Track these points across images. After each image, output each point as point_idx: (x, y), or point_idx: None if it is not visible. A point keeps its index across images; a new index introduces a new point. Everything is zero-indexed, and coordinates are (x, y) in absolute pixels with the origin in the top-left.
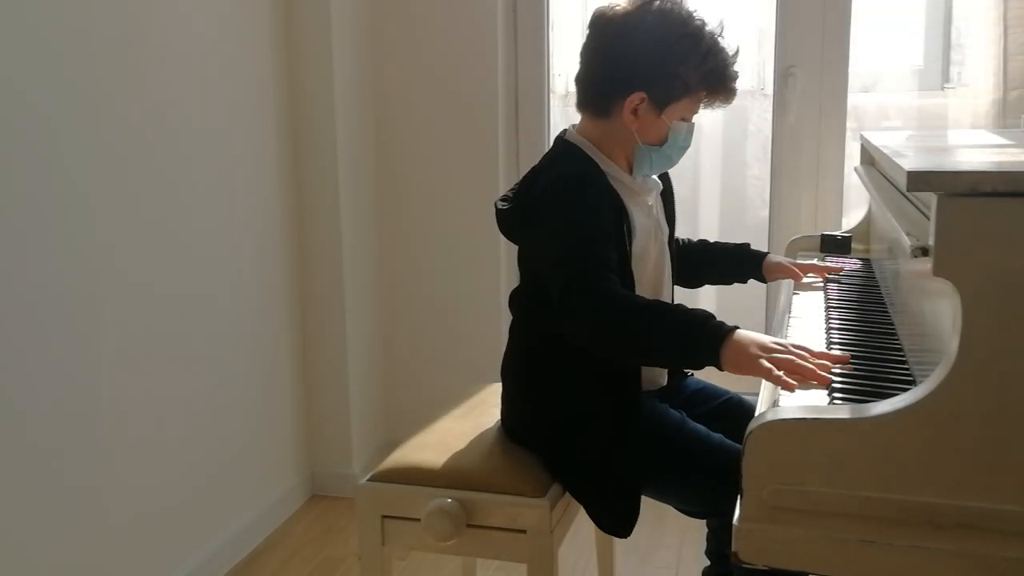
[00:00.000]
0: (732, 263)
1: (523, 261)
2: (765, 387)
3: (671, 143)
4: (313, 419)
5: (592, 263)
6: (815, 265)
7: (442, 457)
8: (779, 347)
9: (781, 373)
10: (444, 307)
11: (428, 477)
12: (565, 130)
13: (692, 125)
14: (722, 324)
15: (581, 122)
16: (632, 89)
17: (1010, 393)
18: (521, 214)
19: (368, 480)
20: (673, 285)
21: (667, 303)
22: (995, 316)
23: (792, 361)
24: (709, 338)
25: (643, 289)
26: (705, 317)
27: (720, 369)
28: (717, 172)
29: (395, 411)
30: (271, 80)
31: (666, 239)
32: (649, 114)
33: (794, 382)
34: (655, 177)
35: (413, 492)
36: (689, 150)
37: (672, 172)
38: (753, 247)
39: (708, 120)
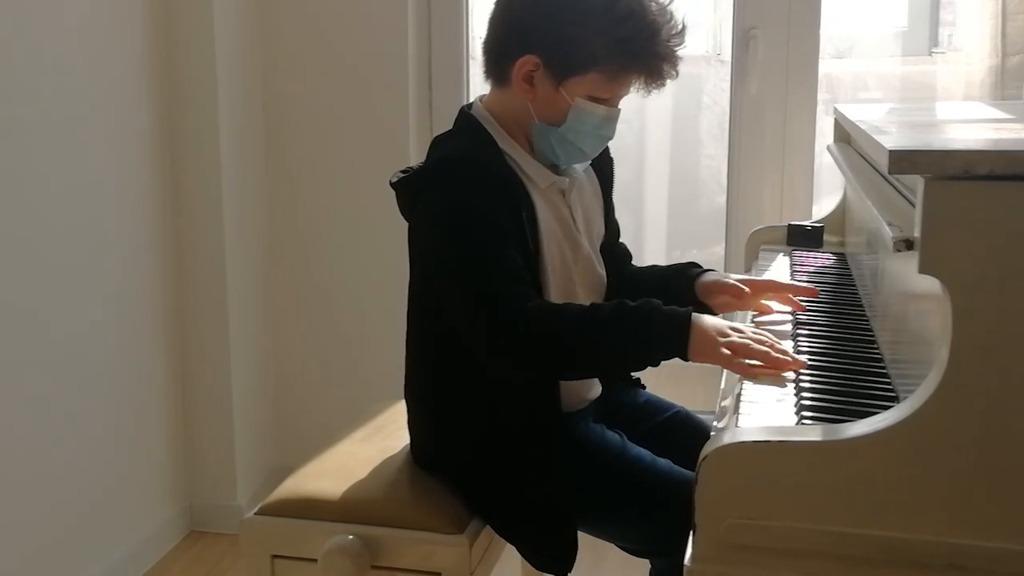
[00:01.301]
0: (657, 288)
1: (413, 248)
2: (724, 399)
3: (571, 125)
4: (191, 443)
5: (495, 274)
6: (774, 283)
7: (342, 486)
8: (736, 331)
9: (745, 361)
10: (345, 313)
11: (325, 510)
12: (471, 102)
13: (613, 111)
14: (674, 308)
15: (489, 93)
16: (523, 51)
17: (1008, 411)
18: (413, 192)
19: (255, 513)
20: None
21: (604, 303)
22: (991, 320)
23: (748, 346)
24: (670, 326)
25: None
26: (654, 306)
27: (686, 359)
28: (665, 151)
29: (287, 433)
30: (142, 56)
31: (593, 245)
32: (545, 85)
33: (756, 371)
34: (582, 165)
35: (308, 527)
36: (633, 125)
37: (614, 156)
38: (696, 265)
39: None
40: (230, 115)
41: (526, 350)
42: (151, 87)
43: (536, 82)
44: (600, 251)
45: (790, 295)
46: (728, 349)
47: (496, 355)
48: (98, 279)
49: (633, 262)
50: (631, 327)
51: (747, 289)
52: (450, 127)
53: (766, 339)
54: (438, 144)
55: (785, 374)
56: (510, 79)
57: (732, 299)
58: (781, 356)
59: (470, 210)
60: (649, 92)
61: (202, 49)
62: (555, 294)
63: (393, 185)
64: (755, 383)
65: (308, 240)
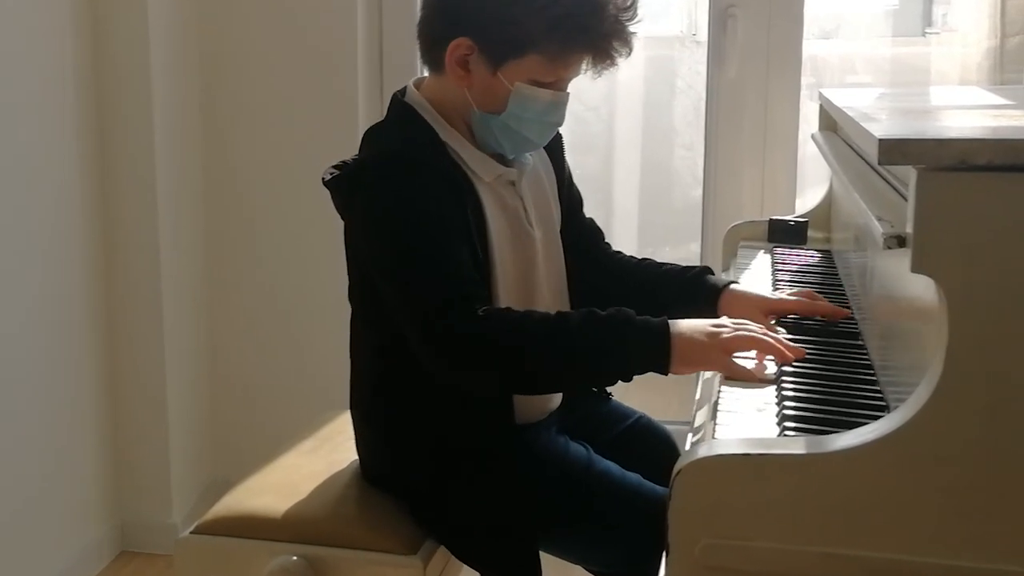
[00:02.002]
0: (676, 295)
1: (350, 250)
2: (700, 408)
3: (513, 113)
4: (122, 455)
5: (443, 279)
6: (805, 303)
7: (285, 503)
8: (725, 327)
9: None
10: (290, 315)
11: (268, 528)
12: (404, 87)
13: (560, 95)
14: (647, 318)
15: (426, 78)
16: (455, 34)
17: (1008, 422)
18: (348, 190)
19: (192, 532)
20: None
21: (572, 311)
22: (990, 323)
23: (746, 337)
24: (649, 338)
25: None
26: (627, 316)
27: (667, 373)
28: (636, 140)
29: (226, 445)
30: (70, 40)
31: (551, 237)
32: (481, 70)
33: (765, 364)
34: (532, 154)
35: (249, 547)
36: (601, 111)
37: (571, 143)
38: (711, 275)
39: (625, 74)
40: (165, 105)
41: (482, 364)
42: (80, 75)
43: (472, 67)
44: (562, 233)
45: (830, 315)
46: (722, 349)
47: (448, 369)
48: (23, 280)
49: (608, 243)
50: (603, 339)
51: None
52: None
53: (755, 329)
54: (372, 136)
55: (768, 372)
56: (443, 63)
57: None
58: (780, 344)
59: (411, 208)
60: (599, 74)
61: (135, 35)
62: (510, 297)
63: (326, 183)
64: (741, 387)
65: (250, 238)
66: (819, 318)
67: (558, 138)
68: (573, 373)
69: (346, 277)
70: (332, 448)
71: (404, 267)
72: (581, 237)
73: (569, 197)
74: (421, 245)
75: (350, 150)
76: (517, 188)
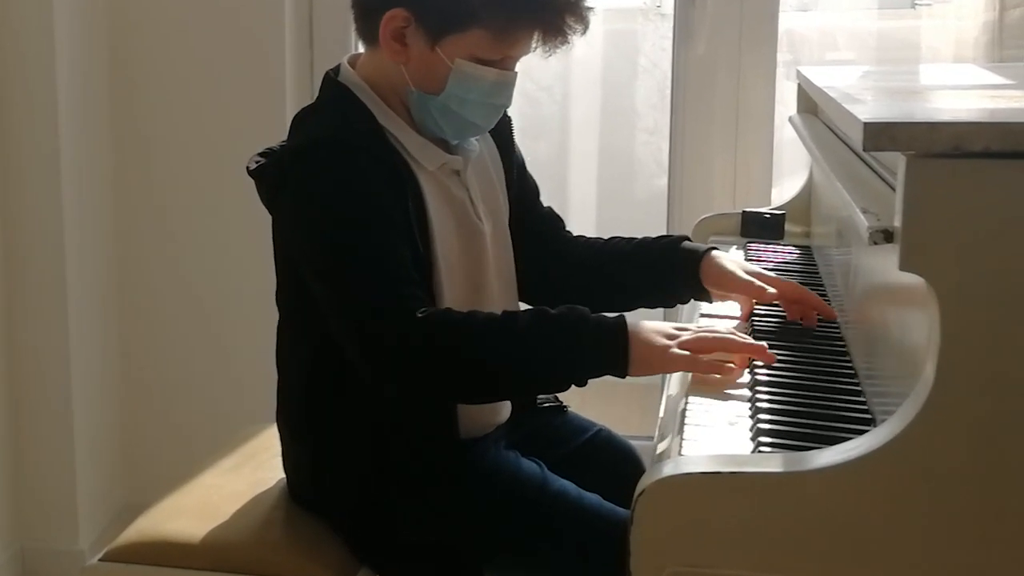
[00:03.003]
0: (649, 272)
1: (278, 247)
2: (665, 421)
3: (453, 93)
4: (24, 475)
5: (379, 278)
6: (804, 292)
7: (205, 527)
8: (687, 329)
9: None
10: (209, 320)
11: (185, 555)
12: (338, 65)
13: (506, 75)
14: (602, 316)
15: (362, 55)
16: (390, 3)
17: (1006, 437)
18: (275, 180)
19: (100, 560)
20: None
21: (520, 311)
22: (986, 327)
23: (708, 339)
24: (604, 337)
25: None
26: (580, 315)
27: (624, 376)
28: (594, 124)
29: (139, 463)
30: None
31: (500, 229)
32: (419, 45)
33: (732, 366)
34: (479, 140)
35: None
36: (554, 92)
37: (521, 127)
38: (685, 238)
39: (582, 51)
40: (70, 85)
41: (422, 372)
42: None
43: (409, 41)
44: (515, 227)
45: (814, 313)
46: (683, 349)
47: (384, 376)
48: None
49: (568, 230)
50: (554, 341)
51: (772, 290)
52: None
53: (720, 330)
54: (302, 120)
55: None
56: (377, 37)
57: (744, 300)
58: (749, 343)
59: (345, 201)
60: (550, 53)
61: (37, 6)
62: (456, 297)
63: (251, 173)
64: (711, 397)
65: (166, 235)
66: (799, 321)
67: (506, 122)
68: (522, 379)
69: (273, 277)
70: (256, 466)
71: (337, 266)
72: (541, 227)
73: (522, 187)
74: (356, 242)
75: (278, 135)
76: (463, 178)
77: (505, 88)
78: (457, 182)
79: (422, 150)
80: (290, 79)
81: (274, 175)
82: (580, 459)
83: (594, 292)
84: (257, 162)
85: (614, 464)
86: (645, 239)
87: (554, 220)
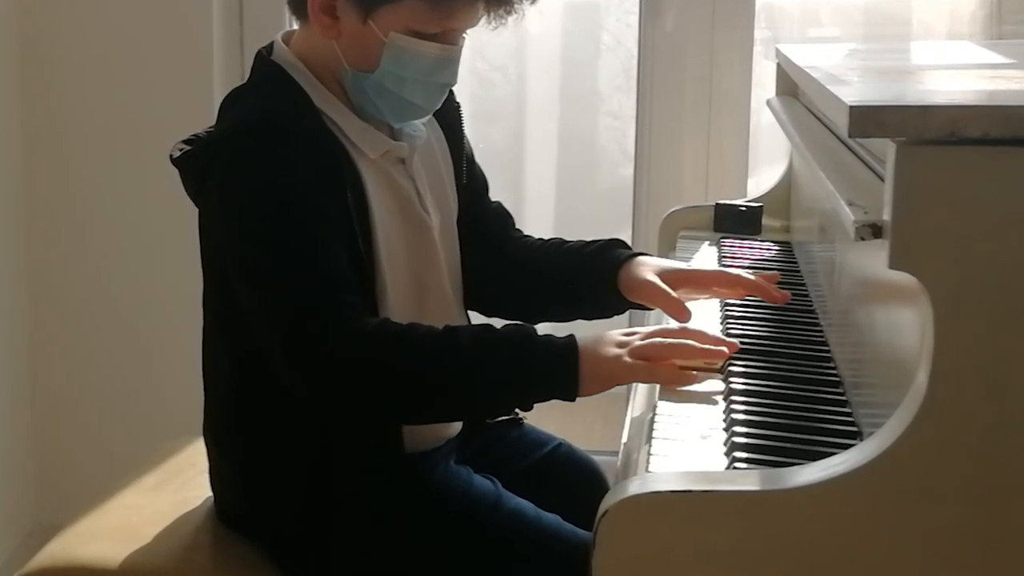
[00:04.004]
0: (578, 278)
1: (204, 244)
2: (630, 429)
3: (389, 70)
4: None
5: (313, 282)
6: (725, 275)
7: (124, 550)
8: (636, 334)
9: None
10: (128, 323)
11: None
12: (272, 43)
13: (449, 50)
14: (552, 337)
15: (296, 31)
16: None
17: (1004, 451)
18: (202, 169)
19: None
20: (468, 309)
21: (462, 326)
22: (984, 330)
23: (664, 344)
24: (552, 360)
25: (394, 316)
26: (526, 334)
27: (573, 400)
28: (552, 108)
29: (51, 480)
30: None
31: (448, 222)
32: (351, 18)
33: (692, 373)
34: (425, 125)
35: None
36: (509, 72)
37: (472, 110)
38: (622, 245)
39: (539, 26)
40: None
41: (355, 387)
42: None
43: (340, 14)
44: (460, 222)
45: (756, 287)
46: (635, 357)
47: (315, 391)
48: None
49: (519, 229)
50: (498, 361)
51: (684, 308)
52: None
53: (675, 331)
54: (231, 103)
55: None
56: (306, 11)
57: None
58: (705, 346)
59: (275, 194)
60: (497, 25)
61: None
62: (401, 299)
63: (175, 161)
64: (676, 407)
65: (80, 230)
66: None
67: (453, 106)
68: (463, 401)
69: (199, 276)
70: (181, 484)
71: (263, 266)
72: (488, 225)
73: (471, 178)
74: (286, 240)
75: (204, 120)
76: (408, 166)
77: (447, 65)
78: (402, 171)
79: (363, 136)
80: (218, 57)
81: (199, 164)
82: (538, 475)
83: (531, 299)
84: (181, 150)
85: (574, 481)
86: (579, 243)
87: (504, 216)
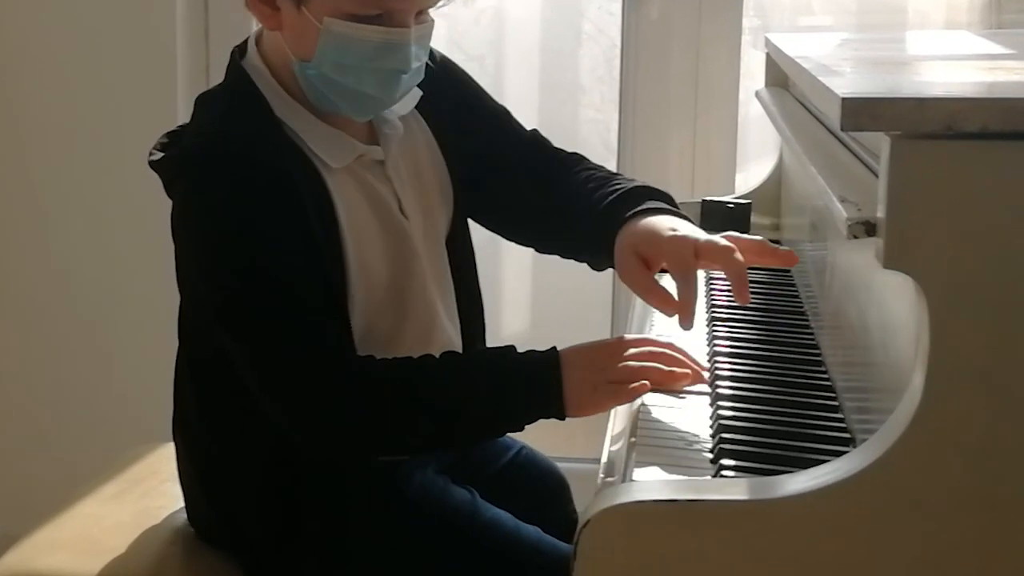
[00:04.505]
0: (578, 232)
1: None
2: (613, 436)
3: (327, 58)
4: None
5: (282, 332)
6: (742, 239)
7: (86, 563)
8: (616, 350)
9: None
10: (89, 327)
11: None
12: (245, 42)
13: (396, 32)
14: (533, 354)
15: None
16: None
17: (1005, 458)
18: (169, 172)
19: None
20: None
21: (447, 356)
22: (982, 333)
23: (636, 369)
24: (534, 383)
25: (373, 341)
26: (511, 357)
27: (563, 418)
28: (532, 100)
29: (8, 490)
30: None
31: (433, 229)
32: (288, 6)
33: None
34: (406, 117)
35: None
36: (486, 62)
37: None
38: (640, 196)
39: (517, 13)
40: None
41: (347, 434)
42: None
43: (279, 3)
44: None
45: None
46: (614, 381)
47: (308, 443)
48: None
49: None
50: (479, 390)
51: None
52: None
53: (657, 349)
54: (200, 107)
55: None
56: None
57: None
58: (674, 369)
59: (237, 226)
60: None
61: None
62: (378, 307)
63: (153, 165)
64: (660, 412)
65: (40, 233)
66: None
67: (442, 91)
68: (452, 436)
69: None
70: (143, 493)
71: (231, 303)
72: (517, 158)
73: (486, 126)
74: (248, 279)
75: (168, 117)
76: (386, 169)
77: (393, 50)
78: (380, 175)
79: (331, 143)
80: (182, 52)
81: (169, 169)
82: (501, 482)
83: (547, 239)
84: (159, 156)
85: (530, 487)
86: (607, 188)
87: (532, 147)
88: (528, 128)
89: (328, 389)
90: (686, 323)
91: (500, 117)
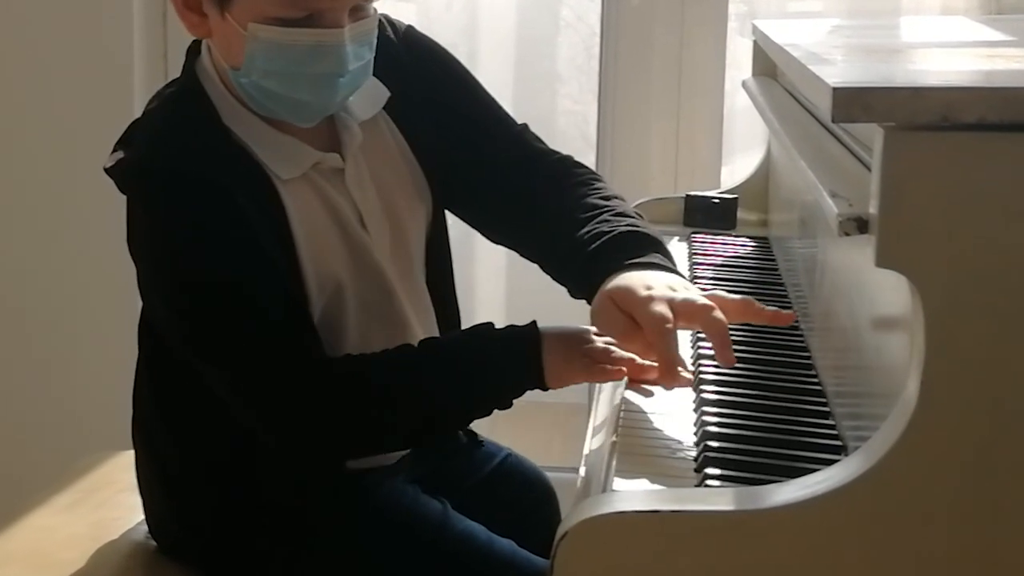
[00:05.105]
0: (559, 264)
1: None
2: (592, 442)
3: (256, 65)
4: None
5: (255, 332)
6: (726, 299)
7: None
8: (592, 335)
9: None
10: (39, 333)
11: None
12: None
13: (327, 35)
14: (513, 328)
15: None
16: None
17: (1006, 466)
18: (122, 178)
19: None
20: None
21: (428, 341)
22: (981, 335)
23: (611, 352)
24: (514, 350)
25: (342, 345)
26: (487, 332)
27: (546, 388)
28: (507, 89)
29: None
30: None
31: (402, 242)
32: (213, 13)
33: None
34: (370, 120)
35: None
36: (459, 51)
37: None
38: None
39: (491, 2)
40: None
41: (327, 434)
42: None
43: (206, 10)
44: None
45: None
46: (589, 356)
47: (291, 447)
48: None
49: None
50: (462, 369)
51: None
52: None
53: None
54: (149, 112)
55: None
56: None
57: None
58: (650, 364)
59: (184, 250)
60: None
61: None
62: (352, 333)
63: (107, 171)
64: (643, 418)
65: None
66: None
67: (406, 89)
68: (435, 412)
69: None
70: (99, 503)
71: (193, 333)
72: (508, 173)
73: (466, 131)
74: (206, 304)
75: (125, 120)
76: (345, 179)
77: (326, 53)
78: (340, 185)
79: (282, 152)
80: (138, 55)
81: (122, 175)
82: (488, 490)
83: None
84: (115, 160)
85: (522, 495)
86: (593, 231)
87: (517, 147)
88: (518, 123)
89: (308, 395)
90: (668, 383)
91: (483, 112)
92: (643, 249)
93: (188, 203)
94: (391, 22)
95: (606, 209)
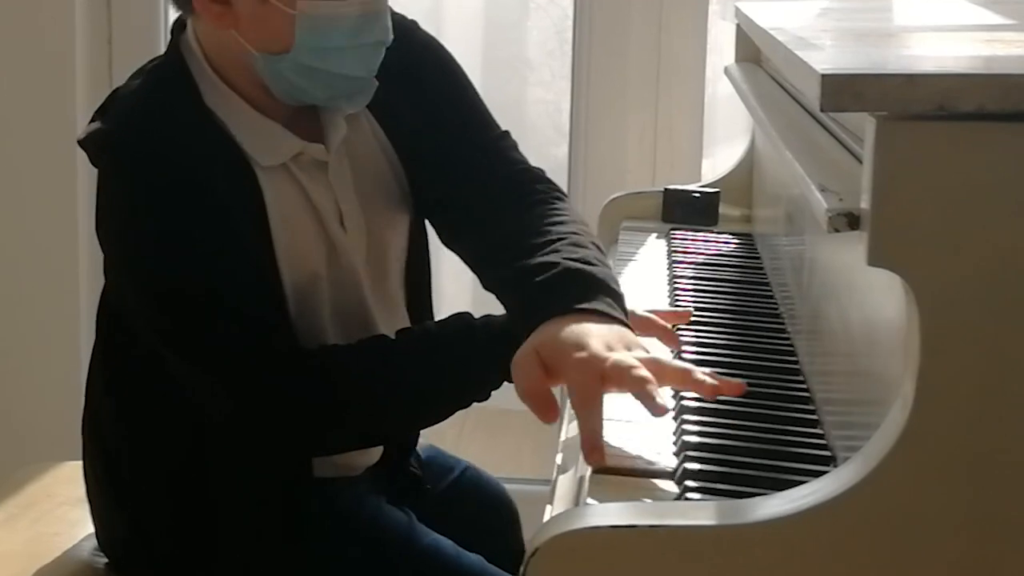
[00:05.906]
0: (502, 294)
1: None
2: (564, 454)
3: (308, 45)
4: None
5: (229, 322)
6: (665, 366)
7: None
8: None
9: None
10: None
11: None
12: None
13: (371, 4)
14: (489, 318)
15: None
16: None
17: (1005, 476)
18: (95, 151)
19: None
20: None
21: (395, 338)
22: (979, 337)
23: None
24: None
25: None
26: (465, 322)
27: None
28: (474, 76)
29: None
30: None
31: (378, 247)
32: (246, 1)
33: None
34: (354, 115)
35: None
36: (427, 37)
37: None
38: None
39: None
40: None
41: (303, 425)
42: None
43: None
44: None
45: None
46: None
47: (264, 439)
48: None
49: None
50: (442, 355)
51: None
52: (145, 53)
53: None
54: (131, 85)
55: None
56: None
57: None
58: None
59: (157, 238)
60: None
61: None
62: (318, 322)
63: (82, 143)
64: (618, 428)
65: None
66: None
67: (394, 84)
68: (412, 402)
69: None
70: (36, 517)
71: (174, 330)
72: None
73: (457, 143)
74: (182, 287)
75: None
76: (328, 174)
77: (375, 21)
78: (322, 178)
79: (265, 137)
80: (80, 47)
81: (94, 148)
82: (447, 504)
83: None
84: (87, 131)
85: (480, 511)
86: (533, 267)
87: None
88: (500, 129)
89: (283, 386)
90: (591, 459)
91: (464, 115)
92: (588, 293)
93: (161, 184)
94: (394, 16)
95: (559, 238)
